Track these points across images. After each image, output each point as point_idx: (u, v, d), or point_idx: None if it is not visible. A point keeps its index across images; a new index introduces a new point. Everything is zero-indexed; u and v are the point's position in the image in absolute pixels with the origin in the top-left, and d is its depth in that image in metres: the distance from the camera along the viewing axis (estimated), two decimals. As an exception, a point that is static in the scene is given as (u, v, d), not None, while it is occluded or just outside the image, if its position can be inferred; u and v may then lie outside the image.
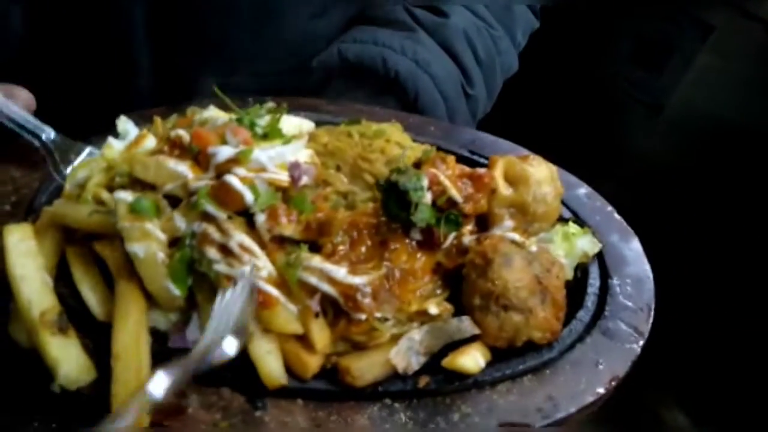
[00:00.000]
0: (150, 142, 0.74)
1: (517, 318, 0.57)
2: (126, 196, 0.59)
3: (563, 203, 0.72)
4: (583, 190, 0.77)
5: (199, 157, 0.64)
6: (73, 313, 0.60)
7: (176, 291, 0.59)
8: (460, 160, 0.78)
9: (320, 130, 0.75)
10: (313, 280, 0.56)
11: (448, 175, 0.62)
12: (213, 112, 0.74)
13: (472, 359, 0.56)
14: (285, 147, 0.64)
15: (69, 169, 0.77)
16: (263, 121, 0.69)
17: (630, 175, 1.89)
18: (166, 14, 1.00)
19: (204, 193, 0.59)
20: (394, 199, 0.60)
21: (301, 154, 0.66)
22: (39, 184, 0.76)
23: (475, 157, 0.80)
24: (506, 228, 0.64)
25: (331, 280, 0.56)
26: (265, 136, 0.70)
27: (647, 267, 0.68)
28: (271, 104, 0.83)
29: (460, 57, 1.07)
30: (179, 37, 1.03)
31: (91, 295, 0.62)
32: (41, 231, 0.65)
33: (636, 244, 0.70)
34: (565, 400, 0.56)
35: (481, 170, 0.64)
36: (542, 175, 0.65)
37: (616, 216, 0.73)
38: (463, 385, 0.56)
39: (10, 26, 0.98)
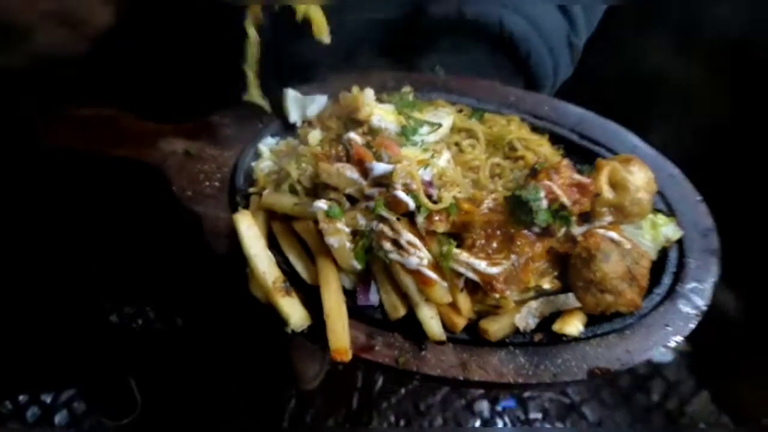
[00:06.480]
0: (314, 134, 0.94)
1: (609, 298, 0.78)
2: (322, 205, 0.81)
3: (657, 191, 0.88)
4: (674, 171, 0.92)
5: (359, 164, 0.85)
6: (288, 276, 0.86)
7: (358, 266, 0.84)
8: (571, 146, 0.94)
9: (455, 130, 0.92)
10: (461, 269, 0.79)
11: (560, 184, 0.79)
12: (375, 112, 0.91)
13: (575, 327, 0.79)
14: (427, 169, 0.82)
15: (296, 117, 0.99)
16: (423, 129, 0.87)
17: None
18: None
19: (380, 203, 0.80)
20: (519, 208, 0.79)
21: (443, 160, 0.85)
22: (234, 162, 0.99)
23: (584, 142, 0.94)
24: (605, 222, 0.82)
25: (475, 270, 0.78)
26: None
27: (716, 247, 0.85)
28: (408, 90, 0.99)
29: (569, 8, 1.14)
30: None
31: (298, 263, 0.87)
32: (254, 214, 0.90)
33: (711, 231, 0.86)
34: (638, 353, 0.79)
35: (586, 180, 0.80)
36: (640, 182, 0.81)
37: (701, 205, 0.88)
38: (565, 340, 0.80)
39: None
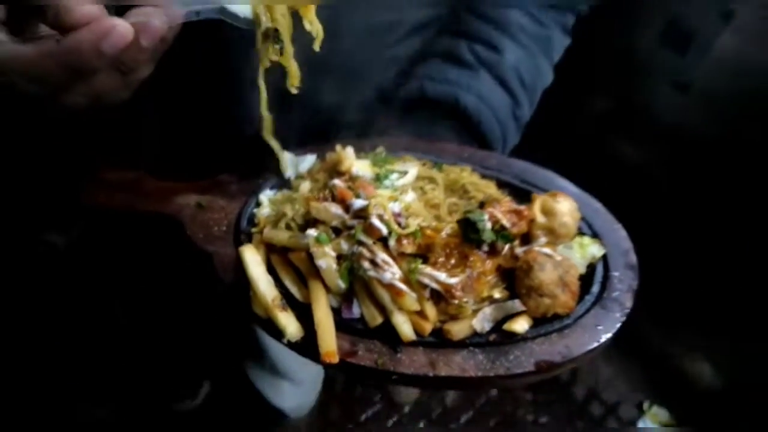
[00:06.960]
0: (305, 184, 1.15)
1: (547, 301, 0.96)
2: (312, 232, 1.01)
3: (583, 219, 1.09)
4: (598, 206, 1.14)
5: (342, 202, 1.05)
6: (284, 297, 1.03)
7: (343, 285, 1.01)
8: (515, 189, 1.16)
9: (419, 178, 1.14)
10: (426, 280, 0.97)
11: (502, 211, 1.00)
12: (354, 164, 1.13)
13: (521, 325, 0.96)
14: (396, 203, 1.03)
15: (291, 173, 1.21)
16: (393, 176, 1.08)
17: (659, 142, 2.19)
18: None
19: (359, 229, 1.00)
20: (469, 228, 0.98)
21: (409, 197, 1.06)
22: (239, 210, 1.19)
23: (524, 185, 1.16)
24: (541, 243, 1.02)
25: (437, 281, 0.97)
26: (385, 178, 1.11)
27: (635, 262, 1.05)
28: (381, 150, 1.22)
29: (511, 87, 1.41)
30: None
31: (292, 286, 1.05)
32: (256, 247, 1.09)
33: (630, 250, 1.06)
34: (576, 347, 0.96)
35: (522, 207, 1.02)
36: (565, 210, 1.02)
37: (621, 230, 1.09)
38: (515, 339, 0.97)
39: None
